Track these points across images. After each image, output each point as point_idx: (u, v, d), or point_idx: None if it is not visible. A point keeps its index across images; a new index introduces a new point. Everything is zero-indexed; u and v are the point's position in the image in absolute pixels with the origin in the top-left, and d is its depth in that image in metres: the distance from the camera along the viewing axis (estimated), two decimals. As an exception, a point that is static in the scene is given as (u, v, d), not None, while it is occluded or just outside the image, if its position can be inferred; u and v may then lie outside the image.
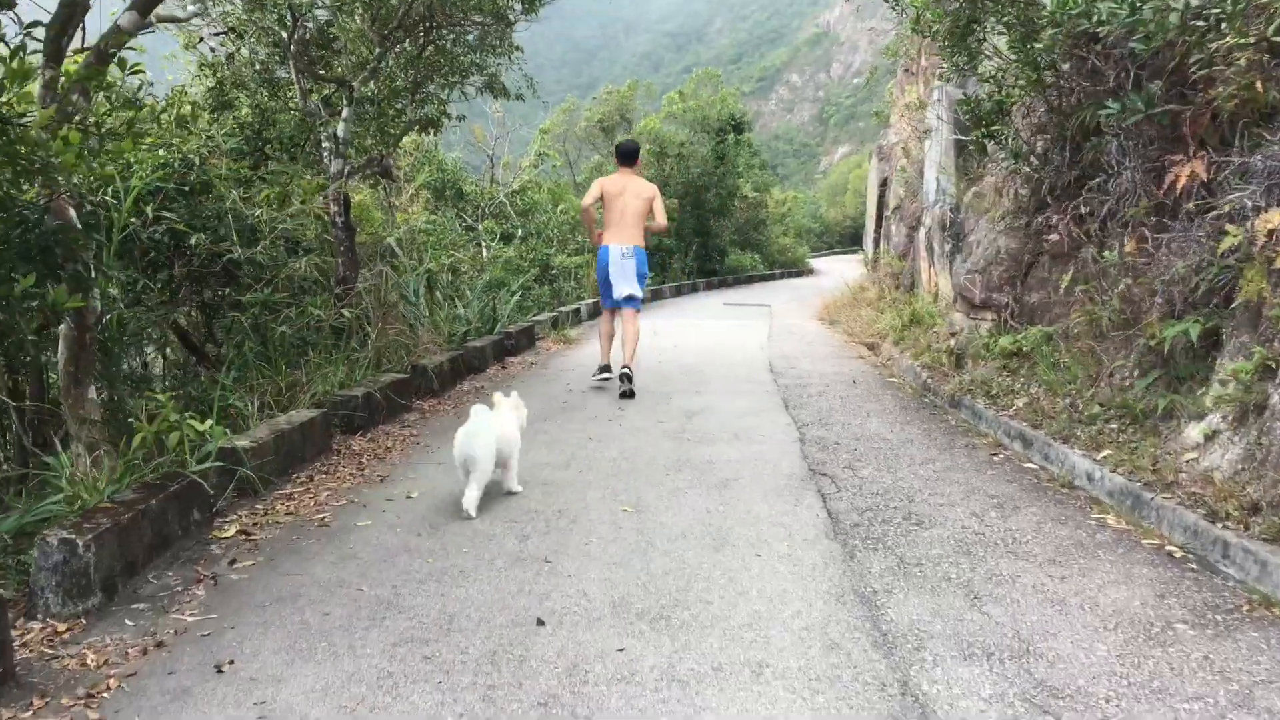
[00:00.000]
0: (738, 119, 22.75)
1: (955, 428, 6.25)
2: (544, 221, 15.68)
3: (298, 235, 7.07)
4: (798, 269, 31.40)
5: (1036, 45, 5.97)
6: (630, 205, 7.71)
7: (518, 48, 9.11)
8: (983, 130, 7.89)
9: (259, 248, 6.17)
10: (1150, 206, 5.26)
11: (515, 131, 15.88)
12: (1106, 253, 5.42)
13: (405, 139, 10.88)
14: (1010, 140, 7.65)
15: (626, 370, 7.43)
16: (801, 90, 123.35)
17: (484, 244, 13.73)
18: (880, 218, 16.98)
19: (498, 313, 10.82)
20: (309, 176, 6.98)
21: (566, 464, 5.17)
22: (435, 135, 10.10)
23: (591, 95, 25.15)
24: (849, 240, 54.04)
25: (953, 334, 8.66)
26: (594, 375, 8.06)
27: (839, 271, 32.09)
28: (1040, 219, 7.69)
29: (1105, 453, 5.09)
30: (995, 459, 5.33)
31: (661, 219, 7.97)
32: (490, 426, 4.41)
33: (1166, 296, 5.08)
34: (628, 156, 8.10)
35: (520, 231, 14.80)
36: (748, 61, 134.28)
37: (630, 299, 7.72)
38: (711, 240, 23.33)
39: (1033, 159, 7.66)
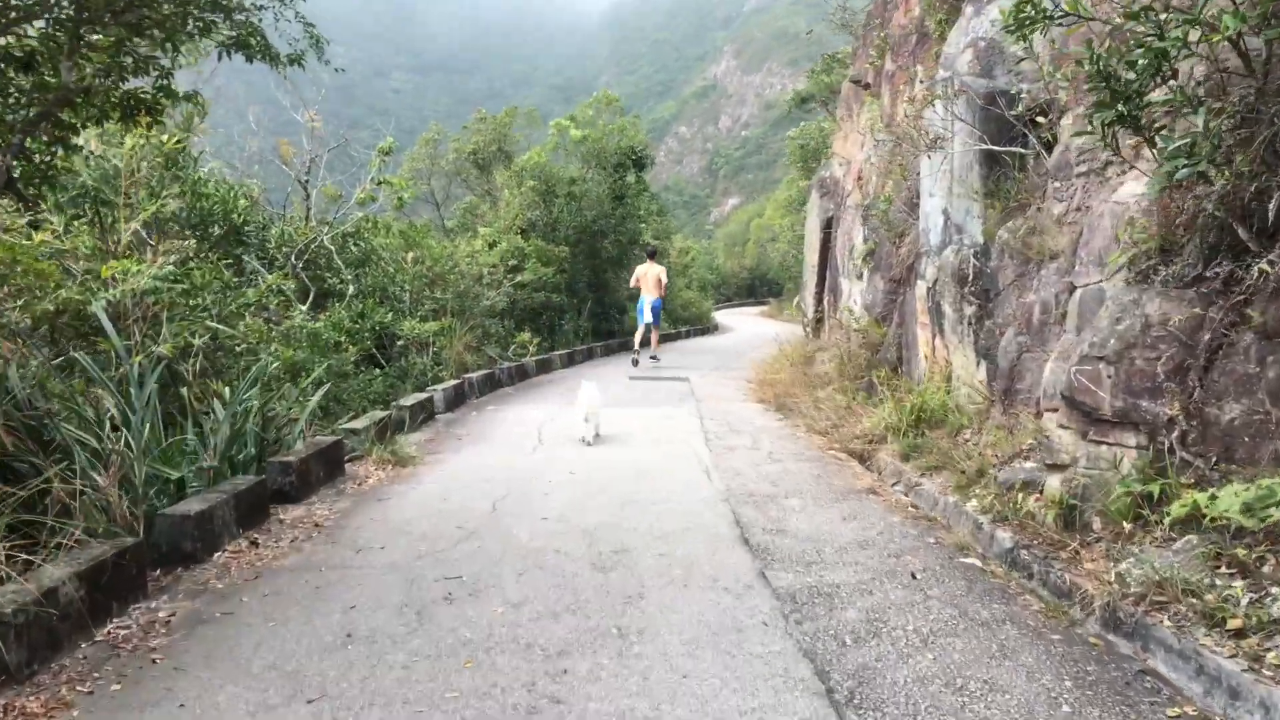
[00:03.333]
0: (639, 152, 19.08)
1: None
2: (389, 274, 11.53)
3: None
4: (703, 326, 28.06)
5: None
6: (651, 278, 14.41)
7: (284, -28, 5.16)
8: (1119, 111, 4.34)
9: None
10: None
11: (348, 152, 11.76)
12: None
13: (129, 137, 6.69)
14: (1194, 124, 4.12)
15: (654, 356, 14.95)
16: (690, 142, 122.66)
17: (296, 307, 9.52)
18: (824, 267, 13.55)
19: (277, 422, 6.68)
20: None
21: None
22: (152, 128, 5.96)
23: (462, 124, 21.11)
24: (745, 292, 51.58)
25: (1054, 465, 5.02)
26: (635, 362, 14.54)
27: (747, 327, 28.90)
28: (1243, 266, 4.19)
29: None
30: None
31: (664, 282, 14.78)
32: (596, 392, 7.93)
33: None
34: (652, 255, 15.35)
35: (352, 288, 10.64)
36: (636, 113, 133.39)
37: (654, 319, 14.59)
38: (609, 295, 19.51)
39: (1216, 160, 4.15)
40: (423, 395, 9.42)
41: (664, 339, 23.05)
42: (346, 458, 6.99)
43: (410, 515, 5.47)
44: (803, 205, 27.38)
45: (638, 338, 14.86)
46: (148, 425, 5.43)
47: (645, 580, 4.15)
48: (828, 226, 13.20)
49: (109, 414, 5.61)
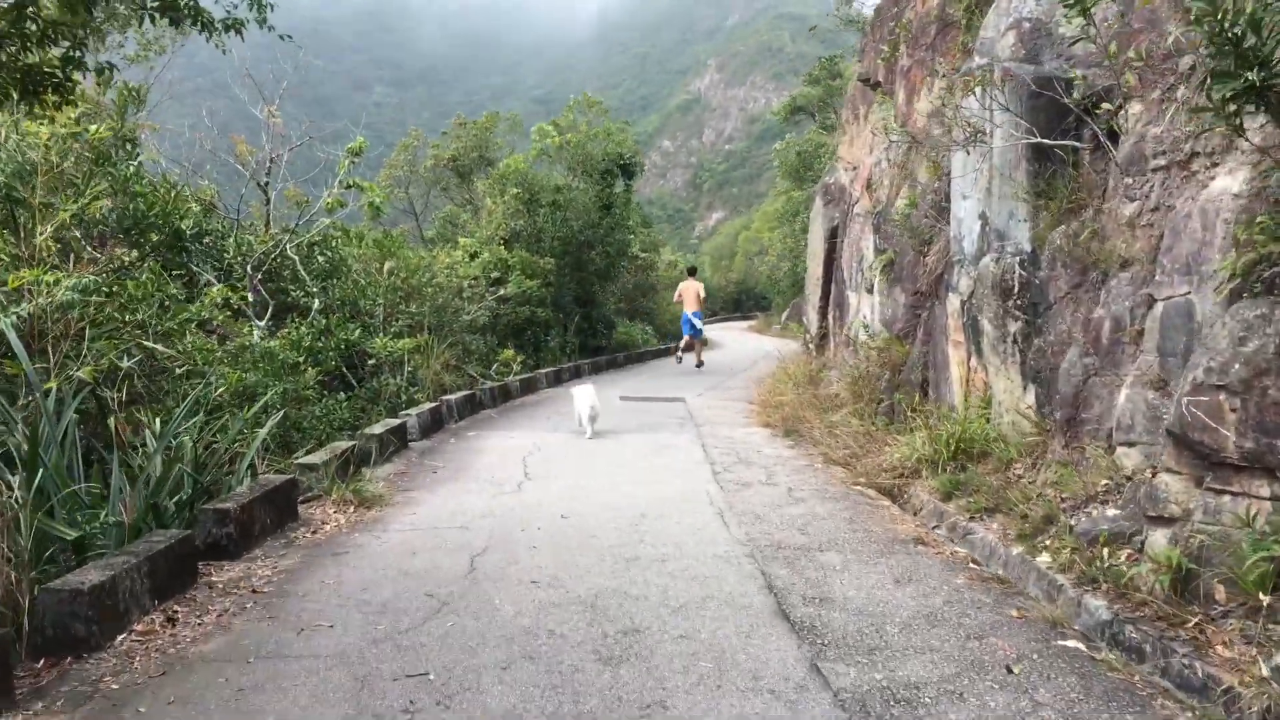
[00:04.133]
0: (627, 159, 18.20)
1: None
2: (360, 287, 10.56)
3: None
4: (694, 341, 27.11)
5: None
6: (691, 293, 16.46)
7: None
8: (1248, 81, 3.49)
9: None
10: None
11: (316, 155, 10.80)
12: None
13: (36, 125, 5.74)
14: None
15: (699, 364, 17.01)
16: (674, 156, 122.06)
17: (251, 323, 8.54)
18: (829, 279, 12.69)
19: (219, 457, 5.71)
20: None
21: None
22: (60, 109, 4.98)
23: (441, 130, 20.12)
24: (732, 306, 50.78)
25: (1158, 518, 4.12)
26: (678, 360, 17.66)
27: (738, 343, 27.98)
28: None
29: None
30: None
31: (703, 297, 17.08)
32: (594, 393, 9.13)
33: None
34: (691, 273, 17.88)
35: (318, 303, 9.66)
36: (624, 120, 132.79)
37: (696, 333, 16.81)
38: (596, 310, 18.57)
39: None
40: (395, 421, 8.46)
41: (654, 355, 22.30)
42: (302, 498, 6.01)
43: (370, 577, 4.51)
44: (794, 216, 26.58)
45: (682, 344, 17.38)
46: (41, 470, 4.43)
47: (666, 678, 3.21)
48: (833, 236, 12.35)
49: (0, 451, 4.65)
